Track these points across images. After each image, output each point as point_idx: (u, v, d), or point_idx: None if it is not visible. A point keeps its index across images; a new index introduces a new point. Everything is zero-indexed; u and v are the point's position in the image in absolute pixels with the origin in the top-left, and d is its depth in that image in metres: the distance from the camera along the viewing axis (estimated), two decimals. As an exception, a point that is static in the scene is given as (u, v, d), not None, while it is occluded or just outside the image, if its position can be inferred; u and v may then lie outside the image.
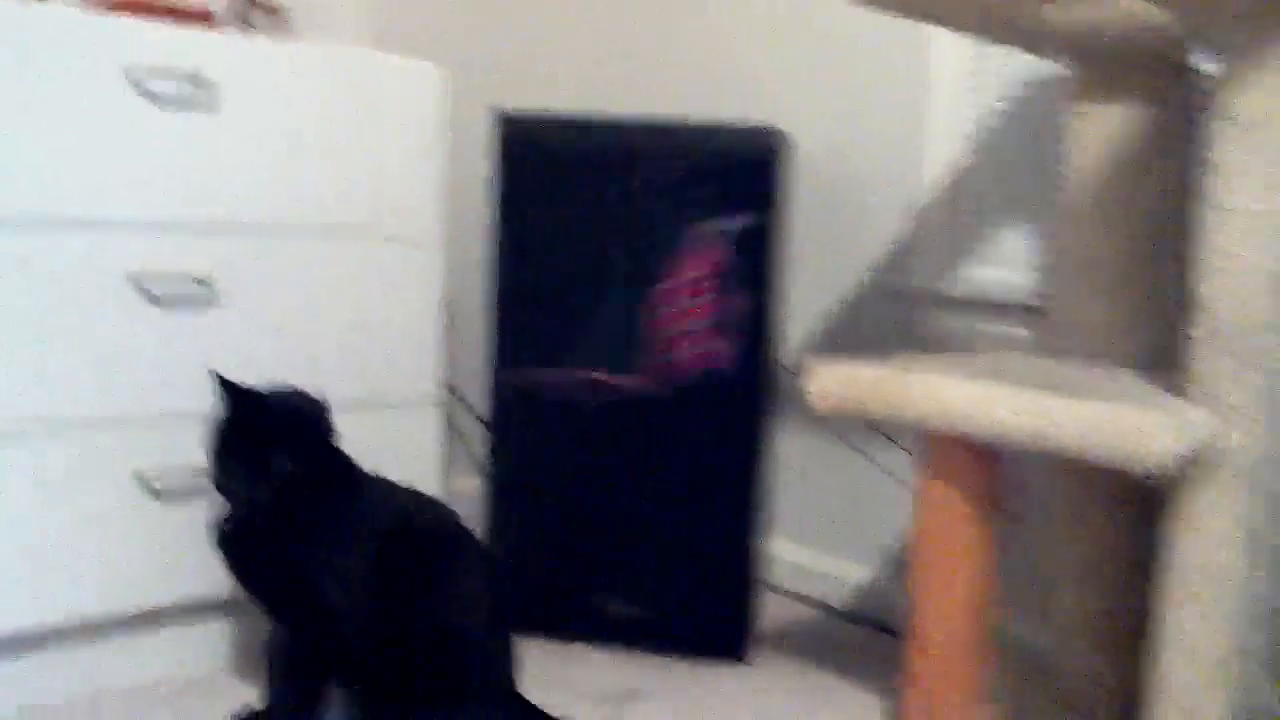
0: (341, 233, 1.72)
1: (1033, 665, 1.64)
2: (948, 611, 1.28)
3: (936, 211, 1.89)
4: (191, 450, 1.59)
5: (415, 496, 1.50)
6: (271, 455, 1.39)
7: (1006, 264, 1.82)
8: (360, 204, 1.73)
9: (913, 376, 1.23)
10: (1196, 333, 1.15)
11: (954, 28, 1.44)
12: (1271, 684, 1.23)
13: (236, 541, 1.43)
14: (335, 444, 1.48)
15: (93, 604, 1.53)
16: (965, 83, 1.84)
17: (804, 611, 2.06)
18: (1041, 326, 1.75)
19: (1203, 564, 1.14)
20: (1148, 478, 1.07)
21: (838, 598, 2.07)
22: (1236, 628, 1.14)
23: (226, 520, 1.44)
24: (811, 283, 2.09)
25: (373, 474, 1.50)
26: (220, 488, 1.41)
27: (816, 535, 2.12)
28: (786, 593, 2.15)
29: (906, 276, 1.93)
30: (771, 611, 2.04)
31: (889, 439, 1.96)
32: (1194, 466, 1.13)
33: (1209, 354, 1.14)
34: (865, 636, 1.95)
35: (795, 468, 2.14)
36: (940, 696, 1.30)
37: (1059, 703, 1.56)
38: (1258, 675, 1.19)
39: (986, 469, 1.27)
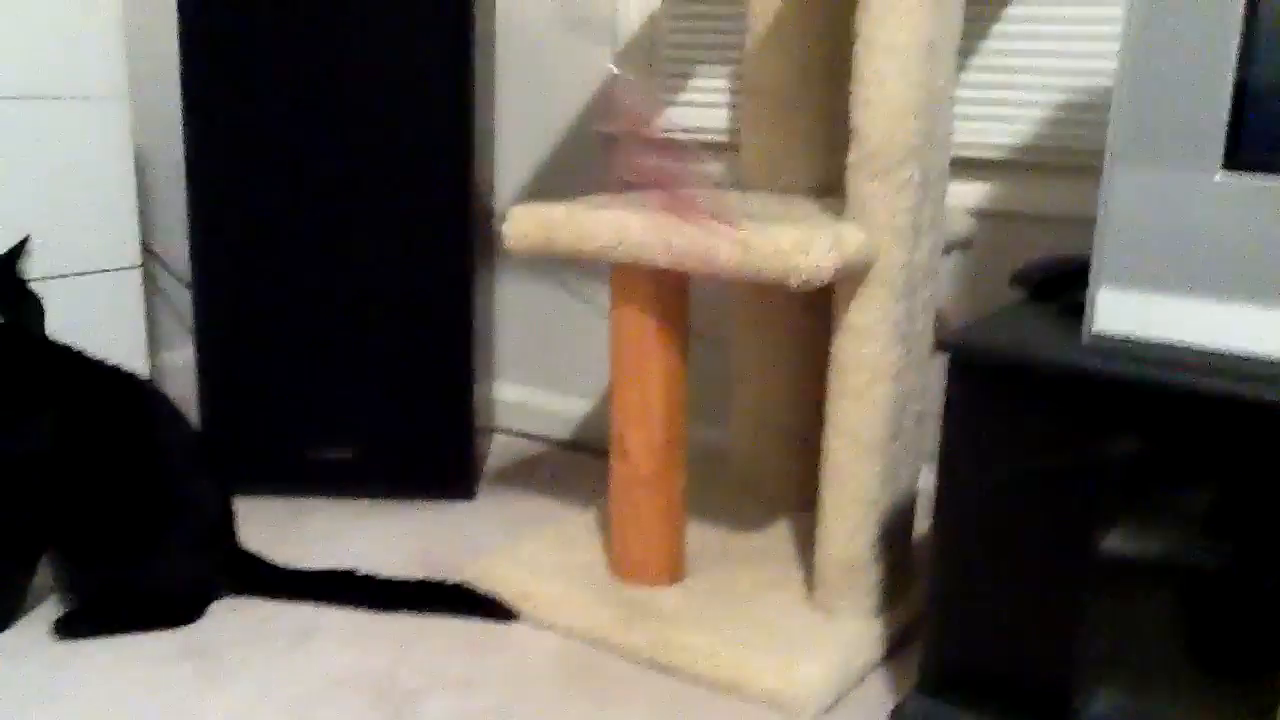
0: (22, 95, 1.61)
1: (724, 465, 1.80)
2: (643, 425, 1.39)
3: (636, 56, 1.95)
4: None
5: (98, 363, 1.46)
6: None
7: (703, 105, 1.91)
8: (37, 62, 1.62)
9: (598, 212, 1.31)
10: (852, 159, 1.27)
11: None
12: (914, 462, 1.42)
13: None
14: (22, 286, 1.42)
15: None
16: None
17: (529, 447, 2.16)
18: (734, 162, 1.86)
19: (858, 358, 1.29)
20: (804, 289, 1.20)
21: (561, 431, 2.18)
22: (886, 413, 1.30)
23: None
24: (523, 132, 2.12)
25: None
26: None
27: (540, 375, 2.21)
28: (513, 432, 2.24)
29: (611, 120, 1.99)
30: (500, 450, 2.14)
31: (593, 277, 2.05)
32: (848, 277, 1.27)
33: (862, 178, 1.27)
34: (585, 463, 2.07)
35: (518, 312, 2.21)
36: (644, 503, 1.42)
37: (749, 494, 1.73)
38: (903, 455, 1.37)
39: (669, 293, 1.37)
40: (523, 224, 1.36)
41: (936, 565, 1.14)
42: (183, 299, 2.34)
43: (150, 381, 1.47)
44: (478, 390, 1.85)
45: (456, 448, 1.84)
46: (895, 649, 1.40)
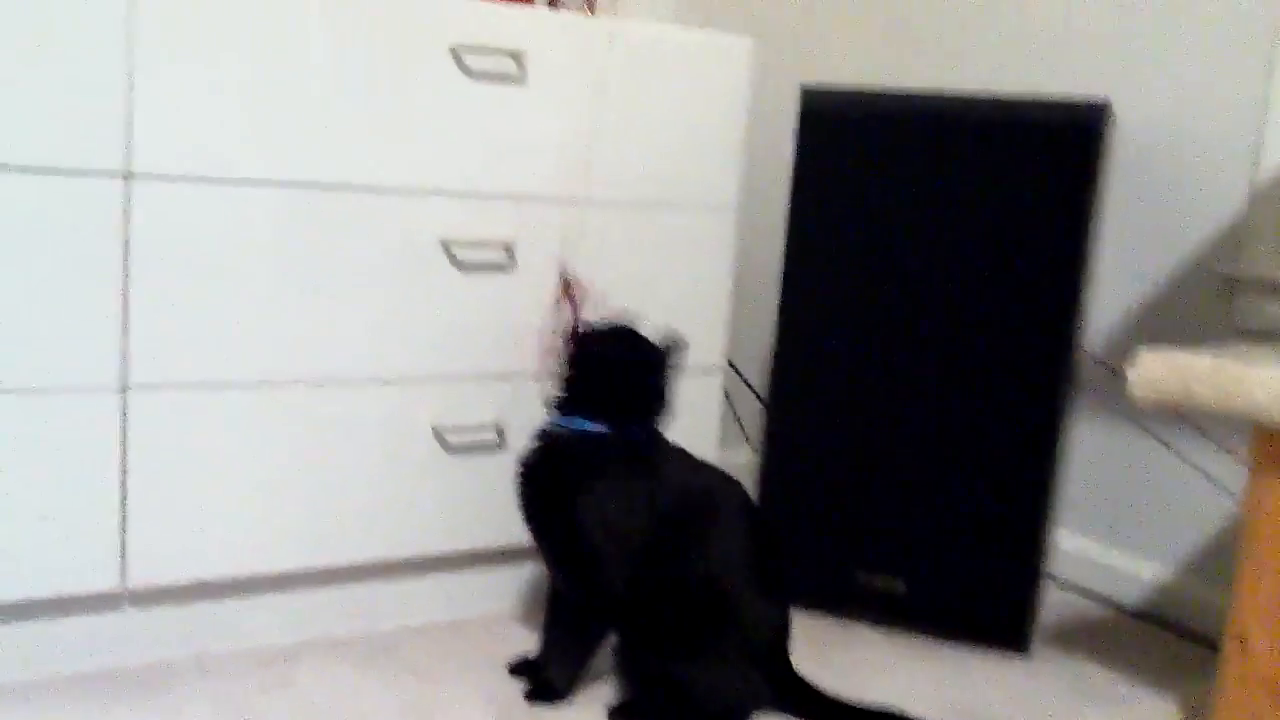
0: (639, 202, 1.75)
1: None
2: (1274, 619, 1.18)
3: (1275, 198, 1.73)
4: (483, 408, 1.66)
5: (701, 464, 1.51)
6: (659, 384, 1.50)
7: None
8: (660, 175, 1.75)
9: (1255, 369, 1.14)
10: None
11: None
12: None
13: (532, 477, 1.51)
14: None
15: (387, 548, 1.63)
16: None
17: (1090, 607, 1.96)
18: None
19: None
20: None
21: (1127, 595, 1.96)
22: None
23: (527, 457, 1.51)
24: (1124, 266, 1.96)
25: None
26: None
27: (1108, 529, 2.01)
28: (1072, 586, 2.05)
29: (1239, 263, 1.78)
30: (1054, 604, 1.96)
31: (1202, 434, 1.83)
32: None
33: None
34: (1155, 636, 1.84)
35: (1091, 457, 2.03)
36: (1264, 710, 1.20)
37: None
38: None
39: (1332, 472, 1.16)
40: (1155, 371, 1.22)
41: None
42: (746, 404, 2.42)
43: (739, 484, 1.49)
44: (1046, 537, 1.71)
45: (1016, 596, 1.71)
46: None
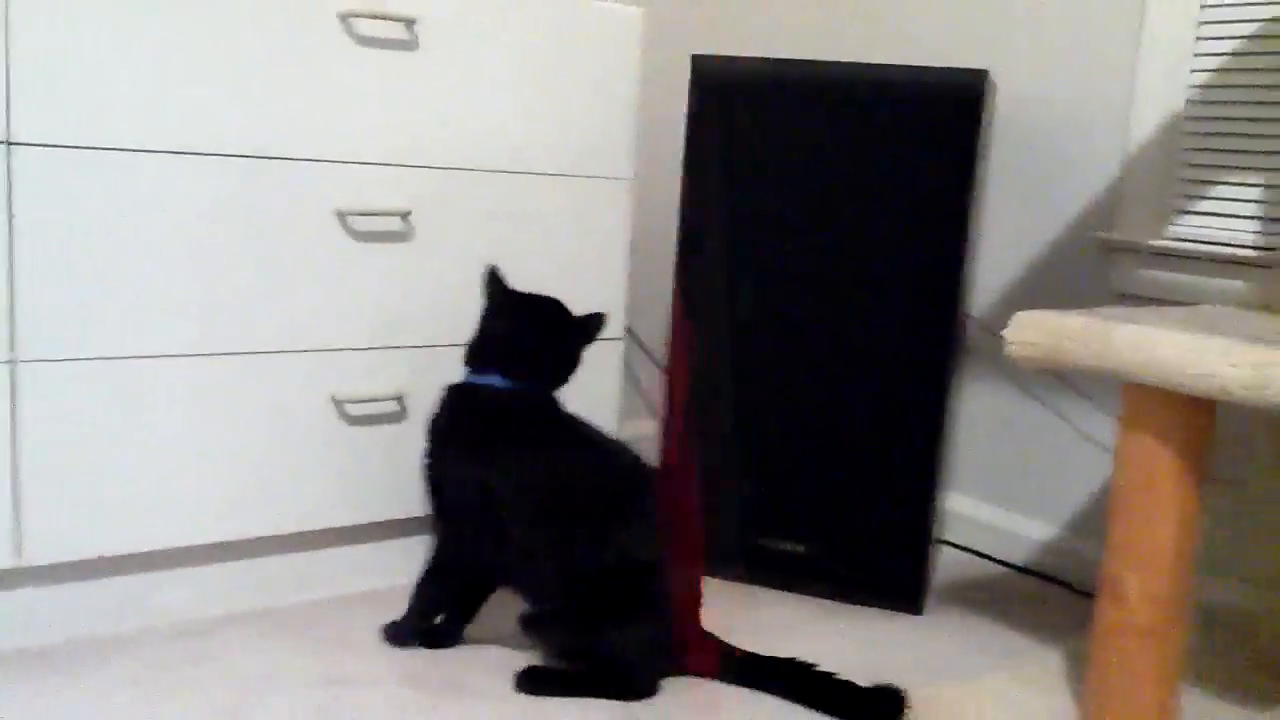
0: (534, 171, 1.75)
1: (1226, 626, 1.57)
2: (1148, 568, 1.23)
3: (1150, 160, 1.80)
4: (381, 379, 1.66)
5: (600, 433, 1.53)
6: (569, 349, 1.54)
7: (1225, 215, 1.72)
8: (555, 144, 1.76)
9: (1122, 326, 1.18)
10: None
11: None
12: None
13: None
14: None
15: (293, 521, 1.62)
16: (1186, 28, 1.74)
17: (982, 567, 2.02)
18: (1265, 281, 1.65)
19: None
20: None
21: (1018, 556, 2.02)
22: None
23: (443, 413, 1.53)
24: (1009, 233, 2.02)
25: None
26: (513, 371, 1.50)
27: (999, 492, 2.07)
28: (964, 547, 2.11)
29: (1115, 228, 1.85)
30: (947, 565, 2.01)
31: (1082, 395, 1.90)
32: None
33: None
34: (1043, 592, 1.90)
35: (980, 423, 2.09)
36: (1138, 657, 1.26)
37: (1255, 665, 1.49)
38: None
39: (1196, 423, 1.21)
40: (1029, 332, 1.26)
41: None
42: (648, 374, 2.44)
43: (642, 458, 1.51)
44: (936, 501, 1.76)
45: (910, 559, 1.75)
46: None
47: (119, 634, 1.51)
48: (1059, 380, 1.94)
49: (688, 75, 1.80)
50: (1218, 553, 1.71)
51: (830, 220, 1.73)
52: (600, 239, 1.83)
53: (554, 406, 1.53)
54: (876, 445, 1.74)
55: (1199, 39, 1.74)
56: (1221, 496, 1.69)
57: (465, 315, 1.60)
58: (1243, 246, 1.69)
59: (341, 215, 1.59)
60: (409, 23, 1.60)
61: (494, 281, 1.55)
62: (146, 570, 1.54)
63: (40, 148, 1.36)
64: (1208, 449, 1.24)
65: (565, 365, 1.55)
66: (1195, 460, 1.22)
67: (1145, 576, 1.24)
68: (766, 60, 1.75)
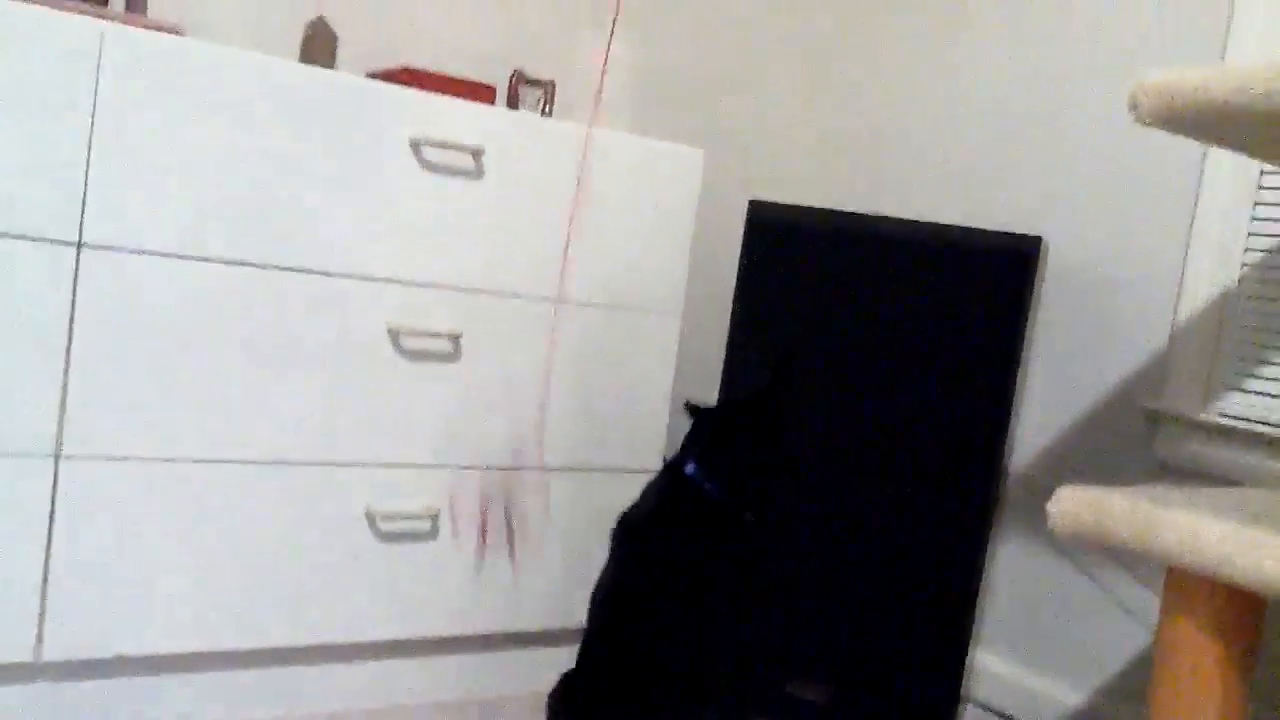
0: (588, 302, 1.77)
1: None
2: (1186, 764, 1.19)
3: (1201, 332, 1.79)
4: (416, 496, 1.66)
5: None
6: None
7: (1269, 397, 1.71)
8: (610, 276, 1.79)
9: (1167, 512, 1.16)
10: None
11: (1247, 152, 1.37)
12: None
13: None
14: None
15: (310, 633, 1.61)
16: (1242, 204, 1.76)
17: (1011, 732, 1.96)
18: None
19: None
20: None
21: (1044, 718, 1.96)
22: None
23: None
24: (1050, 394, 2.01)
25: None
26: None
27: (1028, 651, 2.02)
28: (992, 709, 2.05)
29: (1161, 398, 1.83)
30: (976, 728, 1.96)
31: (1117, 561, 1.86)
32: None
33: None
34: (1077, 769, 1.84)
35: (1013, 580, 2.05)
36: None
37: None
38: None
39: (1243, 615, 1.18)
40: (1071, 506, 1.24)
41: None
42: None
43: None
44: (965, 658, 1.72)
45: (937, 715, 1.71)
46: None
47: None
48: (1104, 552, 1.91)
49: (743, 218, 1.83)
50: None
51: (875, 371, 1.74)
52: (646, 370, 1.84)
53: None
54: (910, 597, 1.71)
55: (1256, 215, 1.75)
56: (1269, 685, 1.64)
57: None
58: (1293, 427, 1.67)
59: (394, 333, 1.61)
60: (475, 153, 1.64)
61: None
62: (164, 673, 1.53)
63: (106, 249, 1.40)
64: (1256, 641, 1.21)
65: None
66: (1242, 651, 1.19)
67: (1184, 770, 1.20)
68: (820, 210, 1.77)
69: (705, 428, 1.49)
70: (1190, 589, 1.20)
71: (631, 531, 1.49)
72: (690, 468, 1.47)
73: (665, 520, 1.48)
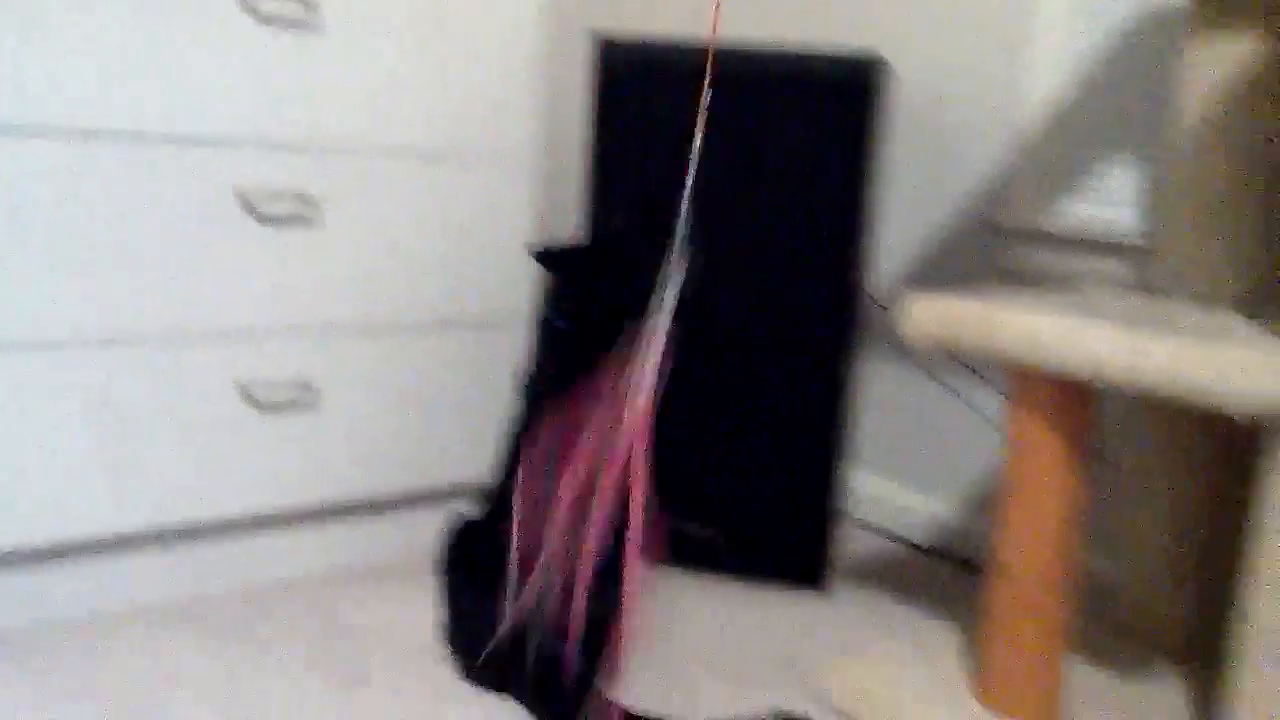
0: (437, 152, 1.75)
1: (1100, 596, 1.63)
2: (1033, 546, 1.28)
3: (1037, 146, 1.85)
4: (290, 364, 1.64)
5: None
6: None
7: (1109, 200, 1.78)
8: (456, 124, 1.76)
9: (1006, 312, 1.22)
10: (1307, 274, 1.12)
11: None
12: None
13: None
14: None
15: (197, 509, 1.60)
16: (1073, 14, 1.80)
17: (883, 544, 2.07)
18: (1144, 265, 1.72)
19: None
20: (1244, 421, 1.06)
21: (918, 532, 2.08)
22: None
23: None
24: (903, 214, 2.07)
25: None
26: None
27: (899, 469, 2.12)
28: (866, 525, 2.16)
29: (1003, 211, 1.90)
30: (850, 543, 2.06)
31: (978, 375, 1.95)
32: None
33: (1319, 297, 1.11)
34: (944, 571, 1.96)
35: (880, 401, 2.14)
36: (1024, 629, 1.31)
37: (1125, 633, 1.56)
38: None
39: (1078, 406, 1.26)
40: (923, 315, 1.30)
41: None
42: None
43: None
44: (839, 479, 1.80)
45: (814, 537, 1.79)
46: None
47: (9, 631, 1.49)
48: (958, 361, 1.99)
49: (586, 52, 1.81)
50: (1096, 528, 1.78)
51: (732, 201, 1.75)
52: (504, 218, 1.83)
53: None
54: (780, 425, 1.77)
55: (1084, 27, 1.79)
56: (1103, 474, 1.76)
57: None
58: (1123, 231, 1.75)
59: (244, 196, 1.57)
60: (308, 5, 1.58)
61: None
62: (41, 566, 1.51)
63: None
64: (1091, 430, 1.29)
65: None
66: (1079, 441, 1.27)
67: (1031, 554, 1.29)
68: (666, 41, 1.76)
69: (551, 269, 1.52)
70: (1030, 386, 1.27)
71: (521, 388, 1.52)
72: (547, 310, 1.49)
73: (538, 368, 1.50)
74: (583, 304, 1.49)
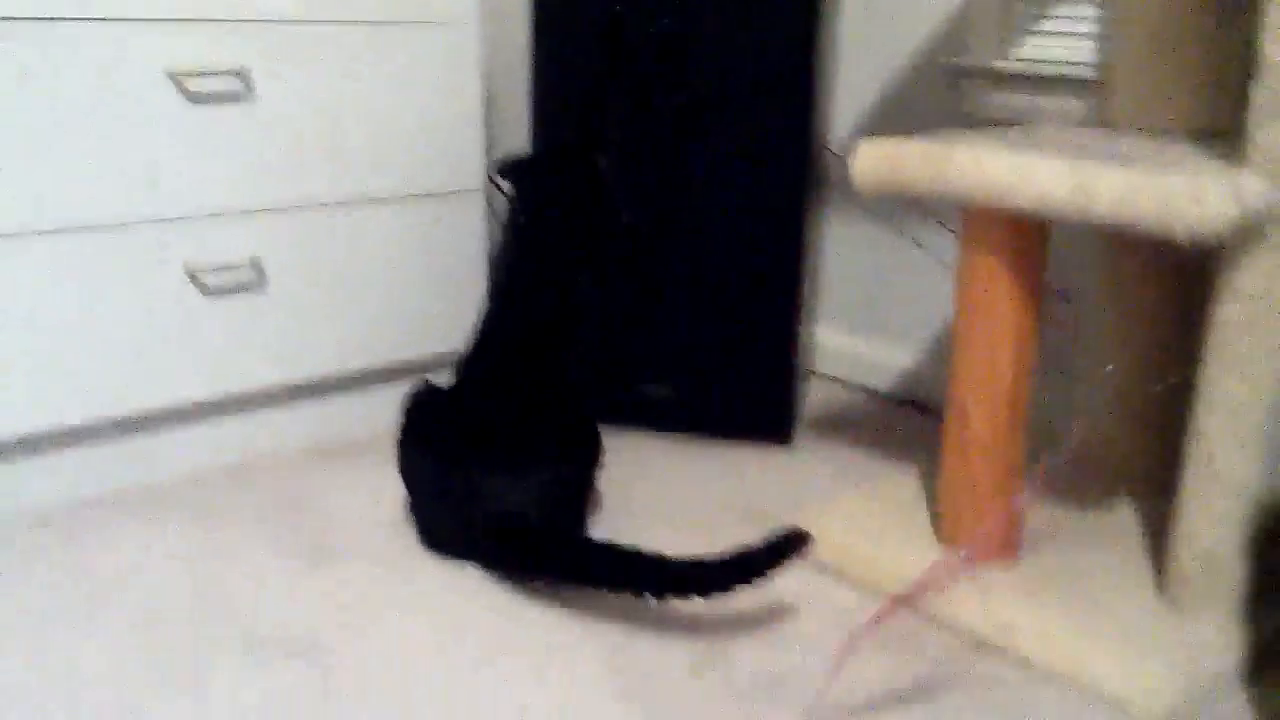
0: (373, 18, 1.69)
1: (1068, 436, 1.65)
2: (986, 384, 1.28)
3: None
4: (231, 246, 1.61)
5: None
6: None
7: (1061, 37, 1.74)
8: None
9: (954, 149, 1.20)
10: (1258, 98, 1.10)
11: None
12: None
13: None
14: None
15: (150, 396, 1.59)
16: None
17: (850, 397, 2.08)
18: (1098, 100, 1.69)
19: (1245, 328, 1.13)
20: (1194, 244, 1.05)
21: (884, 383, 2.09)
22: (1271, 392, 1.13)
23: None
24: (860, 62, 2.02)
25: None
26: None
27: (861, 321, 2.12)
28: (831, 378, 2.17)
29: (962, 52, 1.86)
30: (815, 396, 2.07)
31: (938, 223, 1.93)
32: (1244, 233, 1.11)
33: (1265, 119, 1.09)
34: (908, 418, 1.97)
35: (841, 253, 2.13)
36: (980, 470, 1.32)
37: (1085, 469, 1.58)
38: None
39: (1028, 243, 1.25)
40: (871, 159, 1.27)
41: None
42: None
43: None
44: (801, 334, 1.79)
45: (778, 392, 1.80)
46: (1258, 663, 1.24)
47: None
48: (919, 210, 1.98)
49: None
50: (1052, 365, 1.79)
51: (685, 57, 1.70)
52: (451, 86, 1.78)
53: None
54: (740, 281, 1.76)
55: None
56: (1065, 314, 1.76)
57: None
58: (1081, 66, 1.71)
59: (174, 77, 1.52)
60: None
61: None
62: (5, 459, 1.51)
63: None
64: (1042, 266, 1.28)
65: None
66: (1030, 278, 1.26)
67: (986, 393, 1.29)
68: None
69: (512, 180, 1.61)
70: (981, 222, 1.26)
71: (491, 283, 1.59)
72: (511, 213, 1.56)
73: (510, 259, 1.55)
74: (542, 204, 1.55)
